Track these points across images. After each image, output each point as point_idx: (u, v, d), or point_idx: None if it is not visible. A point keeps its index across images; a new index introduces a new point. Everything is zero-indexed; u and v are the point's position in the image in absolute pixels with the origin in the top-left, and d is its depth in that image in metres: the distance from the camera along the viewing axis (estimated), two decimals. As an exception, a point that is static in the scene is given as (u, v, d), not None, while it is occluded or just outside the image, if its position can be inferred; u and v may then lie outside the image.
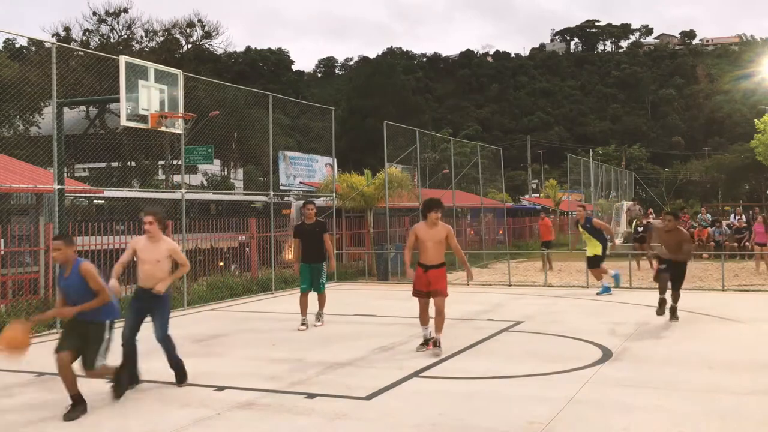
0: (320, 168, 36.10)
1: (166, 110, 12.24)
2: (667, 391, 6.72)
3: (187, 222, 14.52)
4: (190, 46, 50.85)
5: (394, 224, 21.90)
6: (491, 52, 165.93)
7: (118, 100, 11.62)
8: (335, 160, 22.50)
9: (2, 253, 12.38)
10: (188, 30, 49.70)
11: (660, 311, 10.62)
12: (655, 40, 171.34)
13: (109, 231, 14.46)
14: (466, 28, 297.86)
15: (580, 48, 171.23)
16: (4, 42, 57.54)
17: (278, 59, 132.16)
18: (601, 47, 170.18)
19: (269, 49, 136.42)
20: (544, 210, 44.08)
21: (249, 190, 37.55)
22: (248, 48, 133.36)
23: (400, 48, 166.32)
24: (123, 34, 46.15)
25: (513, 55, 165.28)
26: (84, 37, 45.28)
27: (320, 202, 23.85)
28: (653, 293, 15.05)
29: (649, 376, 7.34)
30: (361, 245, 22.18)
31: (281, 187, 31.38)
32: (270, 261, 16.97)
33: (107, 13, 45.39)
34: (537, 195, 64.00)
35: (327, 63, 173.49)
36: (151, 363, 8.47)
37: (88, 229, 13.55)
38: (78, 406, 6.18)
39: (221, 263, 17.74)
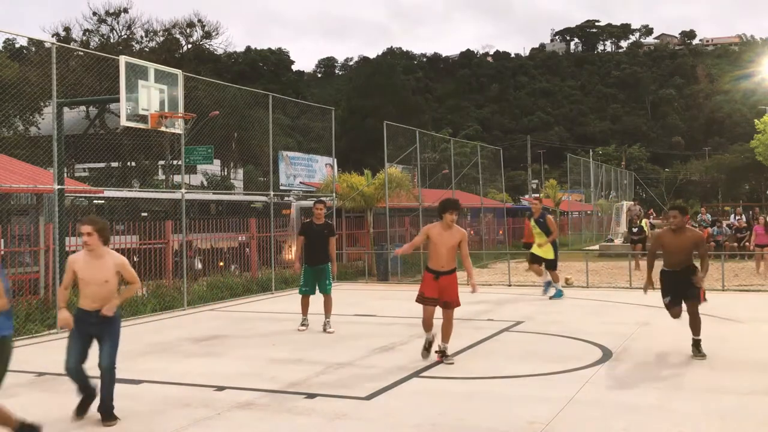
0: (320, 168, 36.10)
1: (166, 110, 12.24)
2: (667, 391, 6.72)
3: (187, 222, 14.51)
4: (190, 46, 50.87)
5: (394, 224, 21.90)
6: (491, 52, 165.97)
7: (118, 100, 11.62)
8: (335, 160, 22.49)
9: (2, 253, 12.38)
10: (188, 30, 49.76)
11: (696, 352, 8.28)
12: (655, 40, 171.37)
13: (109, 231, 14.43)
14: (465, 28, 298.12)
15: (580, 48, 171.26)
16: (4, 42, 57.58)
17: (278, 59, 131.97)
18: (601, 47, 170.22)
19: (269, 49, 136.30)
20: (544, 209, 44.06)
21: (249, 190, 37.56)
22: (248, 48, 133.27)
23: (400, 48, 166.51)
24: (123, 34, 46.19)
25: (513, 55, 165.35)
26: (84, 37, 45.32)
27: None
28: (653, 293, 15.05)
29: (649, 376, 7.34)
30: (356, 245, 22.16)
31: (281, 187, 31.37)
32: (270, 261, 16.97)
33: (107, 13, 45.44)
34: (537, 195, 63.96)
35: (327, 63, 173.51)
36: (150, 363, 8.48)
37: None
38: None
39: (221, 263, 17.74)
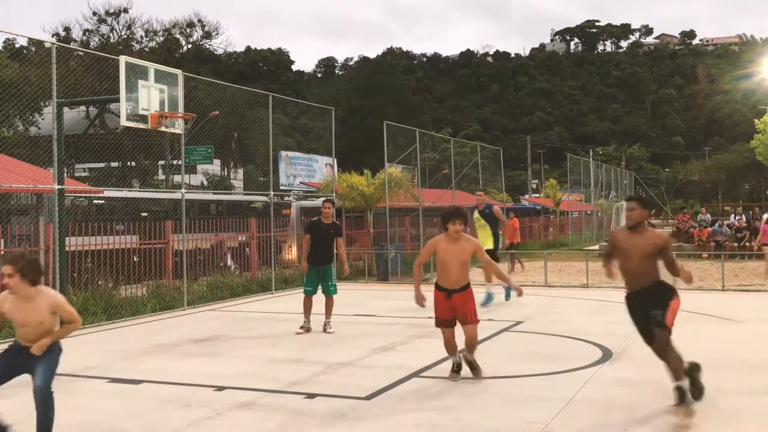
0: (320, 168, 36.13)
1: (166, 110, 12.23)
2: (667, 391, 6.71)
3: (187, 222, 14.51)
4: (190, 46, 50.87)
5: (394, 224, 21.90)
6: (491, 52, 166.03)
7: (118, 100, 11.61)
8: (335, 160, 22.49)
9: (2, 253, 12.38)
10: (188, 30, 49.76)
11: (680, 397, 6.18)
12: (655, 40, 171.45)
13: (109, 231, 14.45)
14: (465, 29, 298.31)
15: (580, 48, 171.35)
16: (4, 42, 57.54)
17: (278, 59, 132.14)
18: (601, 47, 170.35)
19: (269, 49, 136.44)
20: (544, 210, 44.08)
21: (249, 190, 37.57)
22: (248, 48, 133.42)
23: (400, 48, 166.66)
24: (123, 34, 46.18)
25: (513, 55, 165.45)
26: (84, 37, 45.31)
27: (320, 202, 23.84)
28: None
29: (649, 376, 7.33)
30: (355, 245, 22.15)
31: (281, 187, 31.39)
32: (270, 261, 16.97)
33: (107, 13, 45.44)
34: (537, 195, 64.01)
35: (327, 63, 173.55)
36: (150, 363, 8.48)
37: (88, 229, 13.55)
38: None
39: (222, 263, 17.74)
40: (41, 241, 12.75)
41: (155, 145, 32.94)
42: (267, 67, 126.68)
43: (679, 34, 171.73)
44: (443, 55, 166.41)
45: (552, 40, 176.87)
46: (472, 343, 7.37)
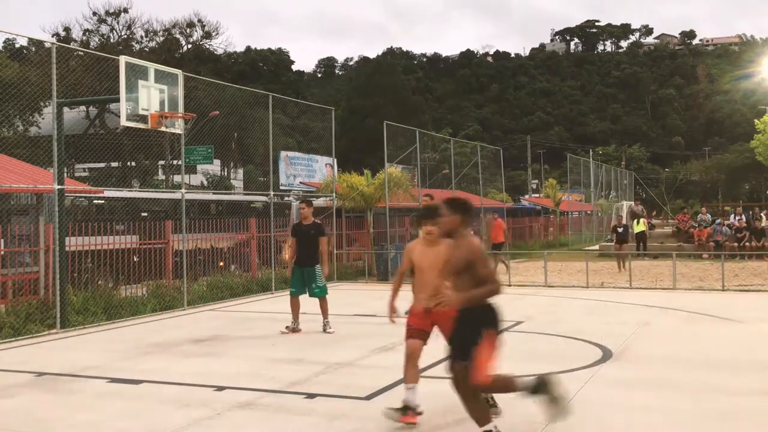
0: (320, 168, 36.11)
1: (166, 110, 12.23)
2: (667, 391, 6.72)
3: (187, 222, 14.51)
4: (190, 46, 50.88)
5: (394, 224, 21.90)
6: (491, 52, 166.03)
7: (118, 100, 11.62)
8: (335, 160, 22.49)
9: (2, 253, 12.38)
10: (188, 30, 49.77)
11: None
12: (655, 40, 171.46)
13: (109, 231, 14.45)
14: (464, 28, 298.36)
15: (580, 48, 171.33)
16: (4, 42, 57.59)
17: (278, 59, 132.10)
18: (601, 47, 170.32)
19: (269, 49, 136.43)
20: (544, 210, 44.08)
21: (249, 190, 37.56)
22: (248, 48, 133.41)
23: (400, 48, 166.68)
24: (123, 34, 46.19)
25: (513, 55, 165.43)
26: (84, 37, 45.32)
27: (320, 202, 23.83)
28: (653, 293, 15.13)
29: (649, 376, 7.34)
30: (353, 245, 22.13)
31: (281, 187, 31.38)
32: (270, 261, 16.96)
33: (107, 13, 45.45)
34: (537, 195, 64.03)
35: (327, 63, 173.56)
36: (150, 363, 8.48)
37: (88, 229, 13.55)
38: None
39: (221, 263, 17.73)
40: (41, 241, 12.75)
41: (155, 145, 32.94)
42: (267, 67, 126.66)
43: (679, 34, 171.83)
44: (443, 55, 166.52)
45: (552, 40, 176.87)
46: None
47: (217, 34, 51.33)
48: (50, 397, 6.92)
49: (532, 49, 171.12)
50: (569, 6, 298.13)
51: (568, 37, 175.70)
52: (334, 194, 20.97)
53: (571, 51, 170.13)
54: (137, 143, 31.96)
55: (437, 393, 6.80)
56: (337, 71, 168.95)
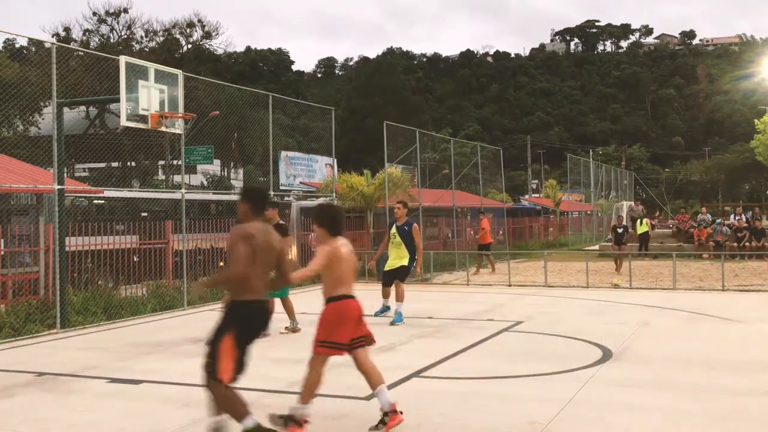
0: (320, 168, 36.14)
1: (166, 110, 12.23)
2: (667, 391, 6.72)
3: (187, 222, 14.51)
4: (190, 46, 50.89)
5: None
6: (491, 52, 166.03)
7: (118, 100, 11.62)
8: (335, 160, 22.49)
9: (2, 253, 12.38)
10: (188, 30, 49.80)
11: None
12: (655, 40, 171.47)
13: (109, 231, 14.45)
14: (463, 28, 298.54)
15: (580, 48, 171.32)
16: (4, 42, 57.60)
17: (278, 59, 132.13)
18: (601, 47, 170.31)
19: (269, 49, 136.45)
20: (544, 210, 44.07)
21: (249, 190, 37.43)
22: (248, 48, 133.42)
23: (400, 48, 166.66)
24: (123, 34, 46.21)
25: (513, 56, 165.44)
26: (84, 37, 45.34)
27: (320, 202, 23.81)
28: (653, 293, 15.12)
29: (649, 376, 7.34)
30: (353, 245, 22.13)
31: (281, 187, 31.38)
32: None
33: (107, 13, 45.47)
34: (537, 195, 64.05)
35: (327, 63, 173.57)
36: (150, 363, 8.47)
37: (88, 229, 13.55)
38: None
39: (221, 263, 17.73)
40: (41, 241, 12.76)
41: (155, 145, 32.96)
42: (267, 67, 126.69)
43: (679, 34, 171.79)
44: (443, 55, 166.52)
45: (552, 40, 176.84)
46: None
47: (217, 34, 51.41)
48: (50, 397, 6.92)
49: (532, 49, 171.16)
50: (569, 6, 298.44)
51: (568, 37, 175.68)
52: (334, 194, 20.97)
53: (571, 51, 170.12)
54: (137, 143, 31.98)
55: (437, 393, 6.80)
56: (337, 71, 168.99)
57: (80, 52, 30.25)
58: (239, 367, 5.03)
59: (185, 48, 50.55)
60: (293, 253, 19.81)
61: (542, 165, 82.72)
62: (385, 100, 69.07)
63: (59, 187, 11.37)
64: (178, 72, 12.92)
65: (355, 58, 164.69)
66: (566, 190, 45.75)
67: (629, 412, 6.02)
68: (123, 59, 11.68)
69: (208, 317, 12.59)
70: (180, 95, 12.68)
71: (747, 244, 24.49)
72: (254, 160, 42.03)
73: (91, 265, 13.85)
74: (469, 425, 5.76)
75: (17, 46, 50.43)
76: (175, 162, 32.93)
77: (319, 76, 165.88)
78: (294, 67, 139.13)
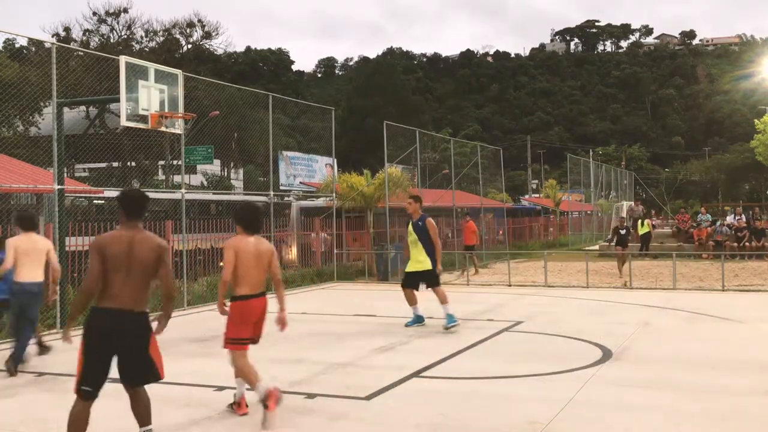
0: (320, 168, 36.12)
1: (166, 110, 12.24)
2: (667, 391, 6.72)
3: (187, 222, 14.51)
4: (190, 46, 50.90)
5: (394, 224, 21.91)
6: (491, 52, 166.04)
7: (118, 100, 11.63)
8: (335, 160, 22.49)
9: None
10: (188, 30, 49.81)
11: None
12: (655, 40, 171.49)
13: (109, 231, 14.43)
14: (463, 28, 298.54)
15: (580, 48, 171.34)
16: (4, 42, 57.55)
17: (278, 59, 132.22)
18: (601, 47, 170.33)
19: (269, 49, 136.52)
20: (544, 210, 44.07)
21: (249, 190, 37.56)
22: (248, 48, 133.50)
23: (400, 48, 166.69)
24: (123, 34, 46.21)
25: (513, 56, 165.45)
26: (84, 37, 45.35)
27: (320, 202, 23.84)
28: (653, 293, 15.12)
29: (649, 376, 7.34)
30: (354, 245, 22.12)
31: (281, 187, 31.38)
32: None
33: (107, 13, 45.48)
34: (537, 195, 64.04)
35: (327, 63, 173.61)
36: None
37: (88, 229, 13.55)
38: None
39: (221, 263, 17.74)
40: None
41: (155, 145, 32.94)
42: (267, 67, 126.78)
43: (679, 34, 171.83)
44: (443, 55, 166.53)
45: (552, 40, 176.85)
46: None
47: (217, 34, 51.42)
48: (50, 397, 6.92)
49: (532, 49, 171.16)
50: (569, 6, 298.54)
51: (568, 37, 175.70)
52: (334, 194, 20.97)
53: (571, 51, 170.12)
54: (137, 143, 31.96)
55: (437, 393, 6.80)
56: (337, 71, 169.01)
57: (80, 52, 30.25)
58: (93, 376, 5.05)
59: (185, 48, 50.57)
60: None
61: (542, 165, 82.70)
62: (385, 100, 69.06)
63: (59, 187, 11.37)
64: (178, 72, 12.92)
65: (355, 58, 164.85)
66: (566, 190, 45.74)
67: (629, 412, 6.02)
68: (123, 59, 11.69)
69: (207, 317, 12.59)
70: (180, 95, 12.69)
71: (747, 244, 24.49)
72: (254, 160, 42.03)
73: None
74: (469, 425, 5.76)
75: (17, 46, 50.42)
76: (175, 162, 32.93)
77: (319, 76, 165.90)
78: (294, 67, 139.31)
